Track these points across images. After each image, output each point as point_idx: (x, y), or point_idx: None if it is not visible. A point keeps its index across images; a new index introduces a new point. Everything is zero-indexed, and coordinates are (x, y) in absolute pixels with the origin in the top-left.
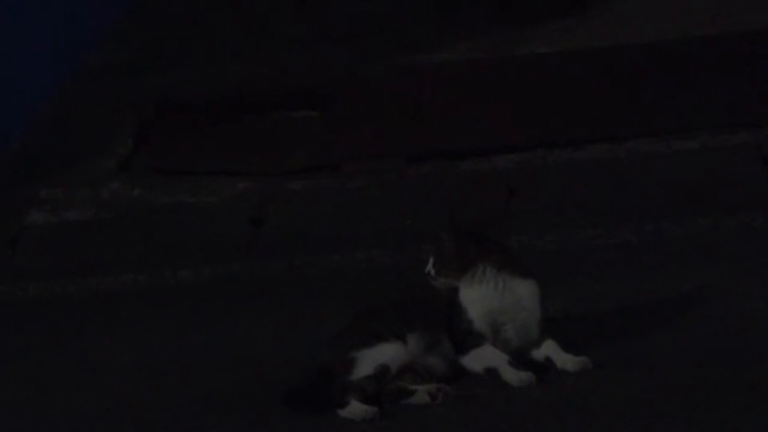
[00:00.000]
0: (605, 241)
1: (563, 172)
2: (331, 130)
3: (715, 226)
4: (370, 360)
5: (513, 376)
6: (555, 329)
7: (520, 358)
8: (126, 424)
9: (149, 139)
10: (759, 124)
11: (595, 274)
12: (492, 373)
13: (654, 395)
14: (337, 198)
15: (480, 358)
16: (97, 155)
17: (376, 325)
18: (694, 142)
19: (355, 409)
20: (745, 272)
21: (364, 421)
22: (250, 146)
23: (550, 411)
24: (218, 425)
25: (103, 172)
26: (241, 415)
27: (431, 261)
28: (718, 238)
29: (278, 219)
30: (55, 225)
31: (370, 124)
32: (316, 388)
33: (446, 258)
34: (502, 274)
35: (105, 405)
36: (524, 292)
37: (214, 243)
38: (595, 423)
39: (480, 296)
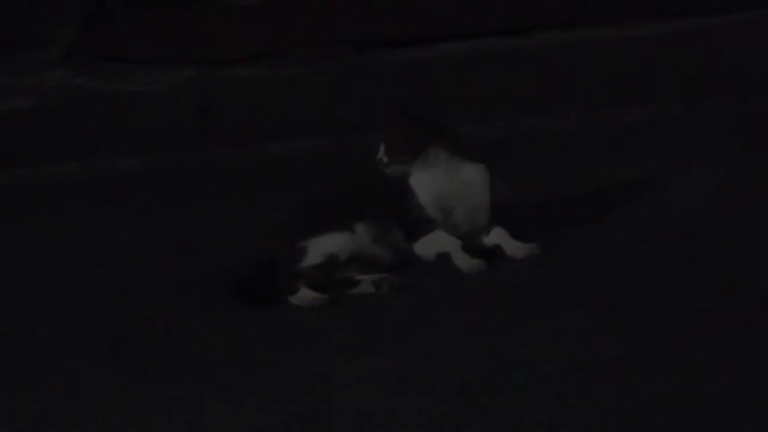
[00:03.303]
0: (552, 128)
1: (511, 59)
2: (277, 17)
3: (661, 112)
4: (319, 248)
5: (464, 261)
6: (502, 217)
7: (468, 244)
8: (71, 314)
9: (94, 26)
10: (709, 12)
11: (542, 162)
12: (444, 257)
13: (600, 282)
14: (283, 86)
15: (432, 244)
16: (41, 43)
17: (325, 215)
18: (642, 29)
19: (305, 295)
20: (691, 159)
21: (313, 307)
22: (195, 33)
23: (498, 298)
24: (166, 315)
25: (47, 60)
26: (189, 306)
27: (382, 147)
28: (664, 124)
29: (224, 107)
30: (1, 113)
31: (317, 11)
32: (262, 277)
33: (398, 143)
34: (454, 159)
35: (49, 295)
36: (474, 176)
37: (160, 131)
38: (543, 310)
39: (431, 181)
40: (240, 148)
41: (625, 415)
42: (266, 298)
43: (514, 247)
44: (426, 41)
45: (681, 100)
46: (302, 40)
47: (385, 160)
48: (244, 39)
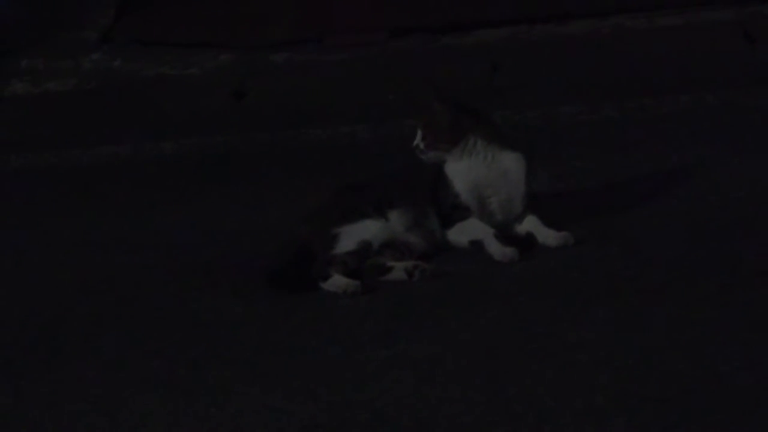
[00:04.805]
0: (588, 117)
1: (546, 47)
2: (314, 2)
3: (697, 102)
4: (352, 235)
5: (497, 249)
6: (538, 205)
7: (503, 233)
8: (105, 298)
9: (131, 9)
10: (742, 1)
11: (577, 151)
12: (477, 245)
13: (635, 272)
14: (319, 71)
15: (465, 231)
16: (77, 26)
17: (358, 201)
18: (678, 18)
19: (337, 281)
20: (727, 149)
21: (345, 294)
22: (233, 18)
23: (530, 287)
24: (198, 300)
25: (84, 42)
26: (222, 291)
27: (420, 134)
28: (700, 115)
29: (260, 92)
30: (36, 96)
31: None
32: (296, 263)
33: (439, 129)
34: (491, 147)
35: (84, 278)
36: (511, 164)
37: (196, 116)
38: (576, 299)
39: (467, 168)
40: (276, 134)
41: (662, 405)
42: (300, 285)
43: (547, 236)
44: (462, 28)
45: (718, 90)
46: (339, 26)
47: (423, 146)
48: (281, 24)
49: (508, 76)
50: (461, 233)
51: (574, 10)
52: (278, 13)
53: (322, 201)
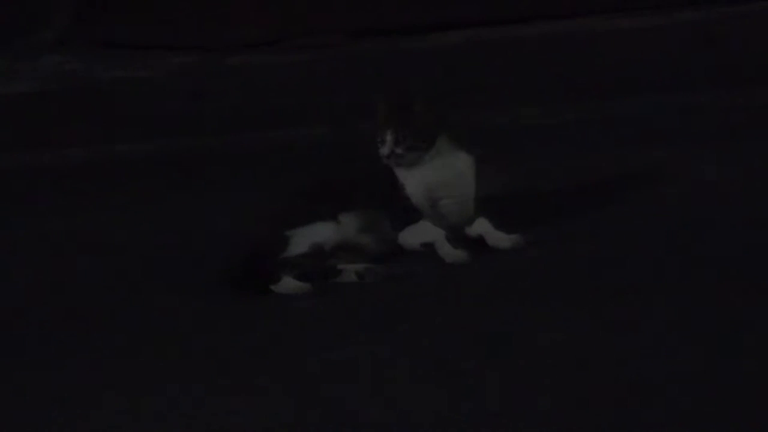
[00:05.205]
0: (547, 119)
1: (506, 49)
2: (274, 4)
3: (659, 104)
4: (304, 238)
5: (448, 251)
6: (494, 206)
7: (454, 235)
8: (58, 299)
9: (89, 12)
10: (705, 3)
11: (538, 152)
12: (428, 247)
13: (595, 273)
14: (278, 74)
15: (417, 233)
16: (36, 28)
17: (311, 204)
18: (639, 20)
19: (289, 284)
20: (686, 151)
21: (296, 296)
22: (192, 20)
23: (482, 289)
24: (151, 301)
25: (43, 45)
26: (176, 292)
27: (392, 139)
28: (660, 116)
29: (217, 94)
30: None
31: (312, 0)
32: (249, 266)
33: (419, 131)
34: (451, 149)
35: (38, 280)
36: (463, 167)
37: (155, 118)
38: (530, 301)
39: (420, 172)
40: (235, 136)
41: (625, 406)
42: (253, 287)
43: (497, 238)
44: (423, 30)
45: (679, 92)
46: (299, 28)
47: (401, 150)
48: (239, 26)
49: (468, 78)
50: (413, 236)
51: (533, 13)
52: (236, 16)
53: (276, 203)
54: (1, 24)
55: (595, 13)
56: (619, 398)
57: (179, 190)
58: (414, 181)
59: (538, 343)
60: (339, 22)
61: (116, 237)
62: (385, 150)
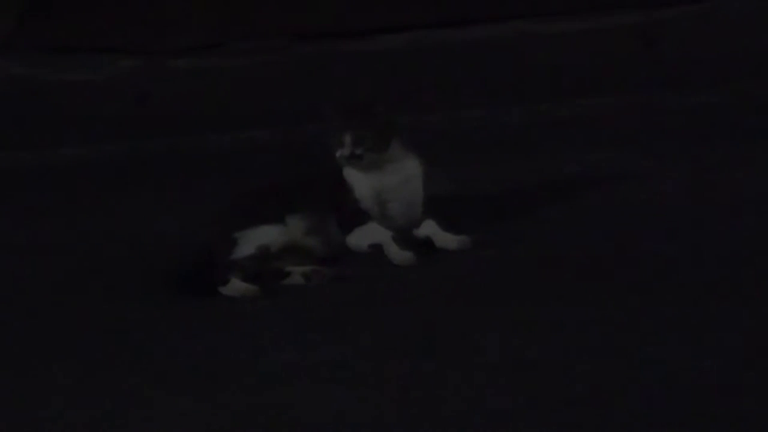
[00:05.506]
0: (490, 121)
1: (448, 51)
2: (217, 7)
3: (599, 106)
4: (251, 240)
5: (396, 253)
6: (440, 209)
7: (402, 237)
8: (13, 304)
9: (33, 15)
10: (643, 6)
11: (480, 155)
12: (376, 249)
13: (539, 274)
14: (222, 77)
15: (365, 235)
16: None
17: (258, 206)
18: (579, 22)
19: (236, 286)
20: (629, 152)
21: (244, 298)
22: (136, 23)
23: (430, 290)
24: (100, 305)
25: None
26: (123, 296)
27: (350, 140)
28: (602, 119)
29: (162, 97)
30: None
31: (256, 3)
32: (196, 268)
33: (379, 133)
34: (400, 152)
35: None
36: (411, 170)
37: (98, 121)
38: (478, 301)
39: (369, 174)
40: (178, 139)
41: (571, 405)
42: (201, 289)
43: (445, 240)
44: (364, 33)
45: (619, 94)
46: (243, 31)
47: (359, 151)
48: (183, 29)
49: (413, 81)
50: (360, 238)
51: (476, 16)
52: (181, 19)
53: (222, 206)
54: None
55: (537, 15)
56: (567, 398)
57: (125, 193)
58: (365, 184)
59: (484, 343)
60: (283, 25)
61: (62, 240)
62: (345, 151)
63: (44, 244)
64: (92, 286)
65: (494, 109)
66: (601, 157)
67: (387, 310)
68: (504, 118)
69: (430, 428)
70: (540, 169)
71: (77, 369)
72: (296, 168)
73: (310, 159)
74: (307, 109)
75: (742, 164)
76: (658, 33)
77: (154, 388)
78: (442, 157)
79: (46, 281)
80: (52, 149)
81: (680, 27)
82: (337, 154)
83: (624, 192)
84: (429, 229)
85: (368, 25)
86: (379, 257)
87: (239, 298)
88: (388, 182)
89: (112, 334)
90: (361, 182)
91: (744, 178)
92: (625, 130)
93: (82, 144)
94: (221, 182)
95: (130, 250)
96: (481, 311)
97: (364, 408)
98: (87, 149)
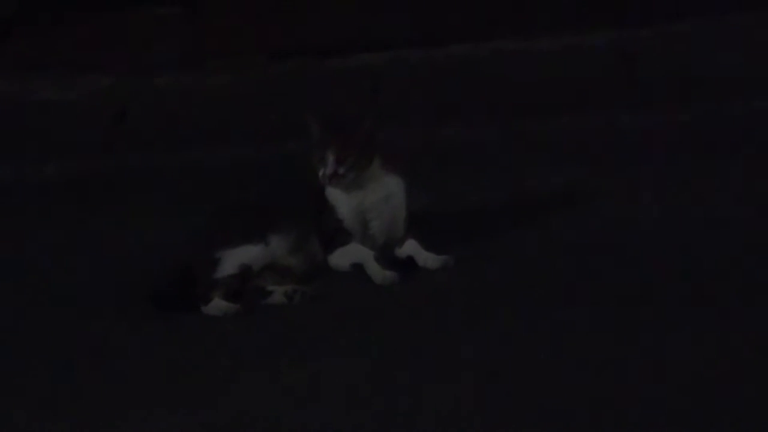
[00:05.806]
0: (468, 139)
1: (427, 70)
2: (194, 26)
3: (576, 124)
4: (233, 259)
5: (377, 272)
6: (419, 226)
7: (384, 256)
8: None
9: (11, 33)
10: (620, 24)
11: (458, 172)
12: (358, 268)
13: (518, 291)
14: (201, 94)
15: (346, 255)
16: None
17: (239, 225)
18: (556, 41)
19: (218, 305)
20: (607, 170)
21: (226, 317)
22: (114, 41)
23: (413, 309)
24: (81, 324)
25: None
26: (105, 314)
27: (333, 159)
28: (581, 136)
29: (141, 115)
30: None
31: (234, 21)
32: (178, 287)
33: (362, 151)
34: (383, 170)
35: None
36: (394, 188)
37: (78, 139)
38: (460, 319)
39: (351, 193)
40: (157, 157)
41: (552, 418)
42: (182, 308)
43: (426, 258)
44: (342, 51)
45: (596, 112)
46: (221, 50)
47: (342, 170)
48: (162, 48)
49: (390, 98)
50: (342, 257)
51: (454, 34)
52: (160, 37)
53: (203, 224)
54: None
55: (515, 33)
56: (546, 409)
57: (103, 211)
58: (347, 203)
59: (467, 360)
60: (262, 43)
61: (41, 260)
62: (328, 170)
63: (20, 262)
64: (71, 303)
65: (471, 126)
66: (579, 175)
67: (369, 328)
68: (481, 135)
69: None
70: (518, 187)
71: (60, 386)
72: (276, 186)
73: (290, 176)
74: (287, 127)
75: (715, 181)
76: (635, 51)
77: (133, 405)
78: (421, 175)
79: (26, 301)
80: (32, 167)
81: (657, 45)
82: (320, 173)
83: (603, 210)
84: (411, 248)
85: (347, 42)
86: (361, 276)
87: (221, 317)
88: (370, 200)
89: (90, 351)
90: (343, 202)
91: (715, 195)
92: (602, 147)
93: (60, 161)
94: (201, 201)
95: (111, 270)
96: (466, 327)
97: (344, 425)
98: (65, 167)
